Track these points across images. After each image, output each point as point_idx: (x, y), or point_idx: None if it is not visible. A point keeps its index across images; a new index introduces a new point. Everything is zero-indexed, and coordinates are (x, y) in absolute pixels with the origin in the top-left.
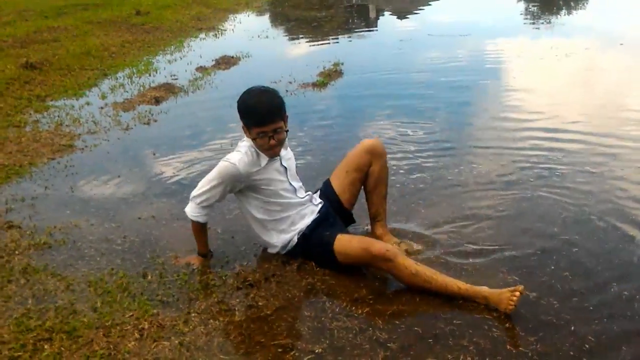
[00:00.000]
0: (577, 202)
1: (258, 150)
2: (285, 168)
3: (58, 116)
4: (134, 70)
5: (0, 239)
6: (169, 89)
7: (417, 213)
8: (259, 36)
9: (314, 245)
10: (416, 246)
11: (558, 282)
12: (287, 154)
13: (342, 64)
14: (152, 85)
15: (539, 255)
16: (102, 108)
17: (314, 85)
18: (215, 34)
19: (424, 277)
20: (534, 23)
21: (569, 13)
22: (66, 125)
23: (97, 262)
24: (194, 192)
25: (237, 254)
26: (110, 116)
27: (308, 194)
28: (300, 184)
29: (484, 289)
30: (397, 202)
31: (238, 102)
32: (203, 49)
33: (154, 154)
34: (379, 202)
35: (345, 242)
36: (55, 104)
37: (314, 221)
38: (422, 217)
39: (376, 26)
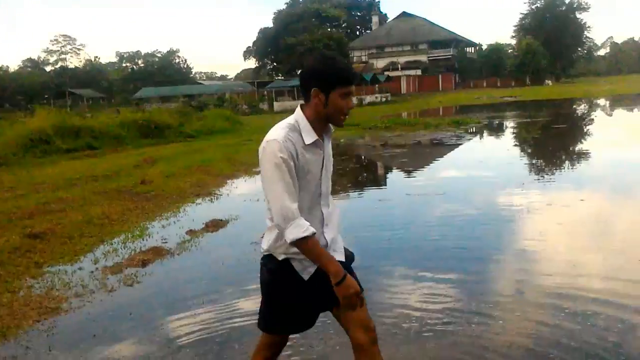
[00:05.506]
0: None
1: (302, 128)
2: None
3: (51, 281)
4: (129, 236)
5: None
6: (157, 252)
7: None
8: (250, 199)
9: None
10: None
11: None
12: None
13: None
14: (143, 249)
15: None
16: (92, 272)
17: None
18: (211, 199)
19: None
20: (534, 177)
21: (572, 167)
22: (57, 289)
23: None
24: (277, 211)
25: None
26: (98, 279)
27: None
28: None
29: None
30: None
31: (318, 63)
32: (197, 213)
33: (130, 314)
34: None
35: None
36: (50, 270)
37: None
38: None
39: (385, 185)
